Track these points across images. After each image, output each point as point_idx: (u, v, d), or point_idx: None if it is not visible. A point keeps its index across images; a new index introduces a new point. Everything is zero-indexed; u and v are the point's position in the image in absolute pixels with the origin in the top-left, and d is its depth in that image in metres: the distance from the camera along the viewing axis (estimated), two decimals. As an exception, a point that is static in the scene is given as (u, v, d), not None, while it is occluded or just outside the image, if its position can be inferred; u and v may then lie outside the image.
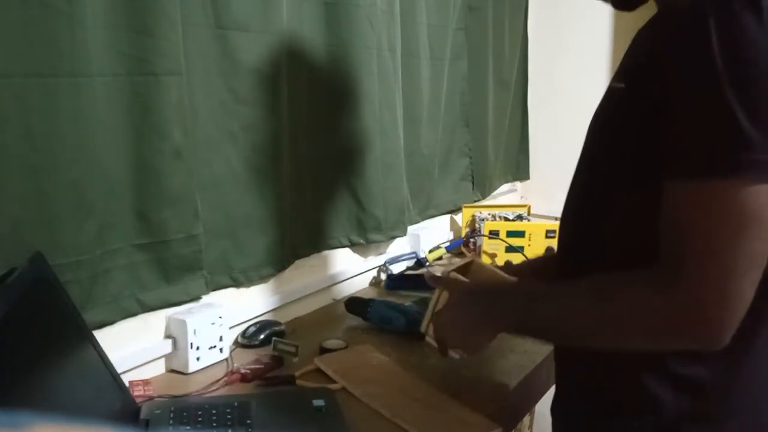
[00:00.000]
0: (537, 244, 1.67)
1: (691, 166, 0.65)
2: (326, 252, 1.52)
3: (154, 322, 1.15)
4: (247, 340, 1.26)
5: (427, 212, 1.89)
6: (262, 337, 1.26)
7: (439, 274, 1.07)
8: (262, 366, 1.13)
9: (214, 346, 1.17)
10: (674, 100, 0.66)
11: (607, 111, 0.81)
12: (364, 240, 1.57)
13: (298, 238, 1.41)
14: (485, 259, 1.70)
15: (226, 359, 1.19)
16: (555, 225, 1.71)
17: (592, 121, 0.85)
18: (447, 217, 2.04)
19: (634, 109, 0.73)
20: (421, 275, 1.65)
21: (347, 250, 1.60)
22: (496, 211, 1.89)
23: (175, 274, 1.14)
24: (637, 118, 0.72)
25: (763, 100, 0.62)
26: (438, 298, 1.07)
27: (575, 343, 0.81)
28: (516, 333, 1.03)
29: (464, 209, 1.95)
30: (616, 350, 0.74)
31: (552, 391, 0.94)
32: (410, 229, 1.75)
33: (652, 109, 0.68)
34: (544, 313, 0.79)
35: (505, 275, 1.06)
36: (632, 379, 0.76)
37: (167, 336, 1.16)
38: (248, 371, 1.11)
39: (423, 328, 1.08)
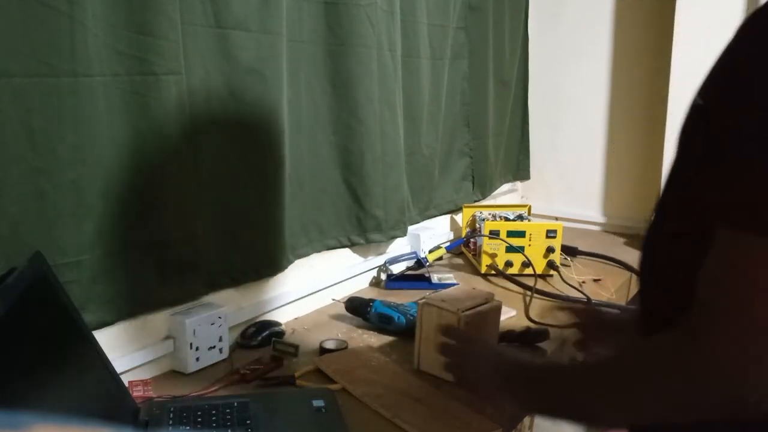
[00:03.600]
0: (537, 244, 1.67)
1: (735, 219, 0.58)
2: (326, 252, 1.52)
3: (154, 322, 1.15)
4: (246, 341, 1.26)
5: (427, 212, 1.89)
6: (261, 337, 1.26)
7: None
8: (262, 366, 1.13)
9: (214, 347, 1.17)
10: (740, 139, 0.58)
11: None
12: (364, 240, 1.57)
13: (297, 238, 1.41)
14: (485, 260, 1.70)
15: (226, 359, 1.19)
16: (555, 225, 1.71)
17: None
18: (447, 217, 2.04)
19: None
20: (421, 275, 1.66)
21: (347, 250, 1.60)
22: (497, 211, 1.88)
23: (175, 274, 1.13)
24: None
25: None
26: (422, 320, 1.09)
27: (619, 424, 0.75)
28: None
29: (464, 209, 1.95)
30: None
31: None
32: (410, 229, 1.75)
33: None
34: (549, 397, 0.76)
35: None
36: None
37: (167, 336, 1.16)
38: (248, 371, 1.11)
39: (415, 365, 1.10)
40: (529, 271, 1.66)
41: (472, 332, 1.10)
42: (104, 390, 0.93)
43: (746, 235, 0.57)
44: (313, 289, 1.48)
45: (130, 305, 1.08)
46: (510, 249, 1.68)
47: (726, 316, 0.58)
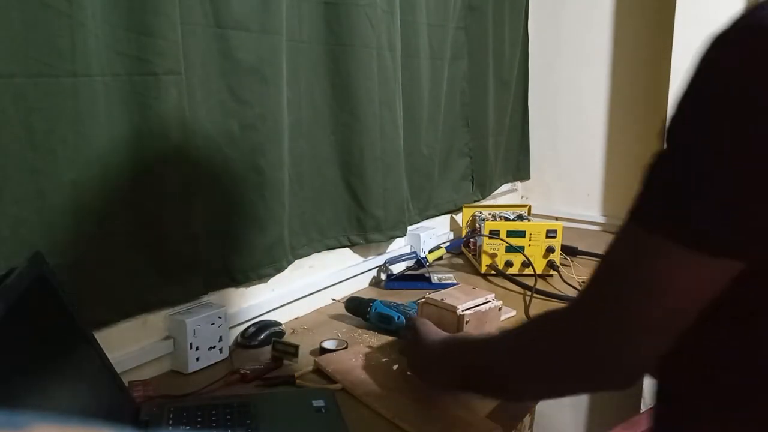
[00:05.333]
0: (537, 244, 1.67)
1: (630, 207, 0.62)
2: (326, 252, 1.52)
3: (154, 322, 1.15)
4: (246, 341, 1.26)
5: (427, 212, 1.89)
6: (261, 337, 1.26)
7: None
8: (262, 366, 1.13)
9: (214, 347, 1.17)
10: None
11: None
12: (363, 240, 1.57)
13: (297, 238, 1.41)
14: (485, 260, 1.70)
15: (226, 359, 1.19)
16: (555, 225, 1.71)
17: None
18: (447, 217, 2.04)
19: None
20: (421, 275, 1.66)
21: (347, 250, 1.60)
22: (497, 211, 1.88)
23: (175, 274, 1.14)
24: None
25: (699, 164, 0.54)
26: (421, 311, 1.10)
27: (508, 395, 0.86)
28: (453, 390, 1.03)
29: (464, 209, 1.95)
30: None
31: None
32: (410, 229, 1.75)
33: None
34: (472, 375, 0.85)
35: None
36: None
37: (167, 336, 1.16)
38: (248, 371, 1.11)
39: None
40: (529, 271, 1.66)
41: (471, 331, 1.11)
42: (104, 390, 0.93)
43: (638, 229, 0.60)
44: (313, 289, 1.48)
45: (130, 305, 1.08)
46: (510, 249, 1.68)
47: (594, 304, 0.65)
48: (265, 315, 1.35)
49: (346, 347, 1.23)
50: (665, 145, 0.59)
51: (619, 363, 0.63)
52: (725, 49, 0.54)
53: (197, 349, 1.14)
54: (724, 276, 0.57)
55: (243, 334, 1.27)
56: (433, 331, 1.02)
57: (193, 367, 1.14)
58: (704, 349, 0.63)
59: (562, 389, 0.74)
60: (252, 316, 1.32)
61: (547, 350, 0.69)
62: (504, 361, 0.77)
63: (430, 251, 1.78)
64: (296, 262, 1.42)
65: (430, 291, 1.38)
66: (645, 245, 0.59)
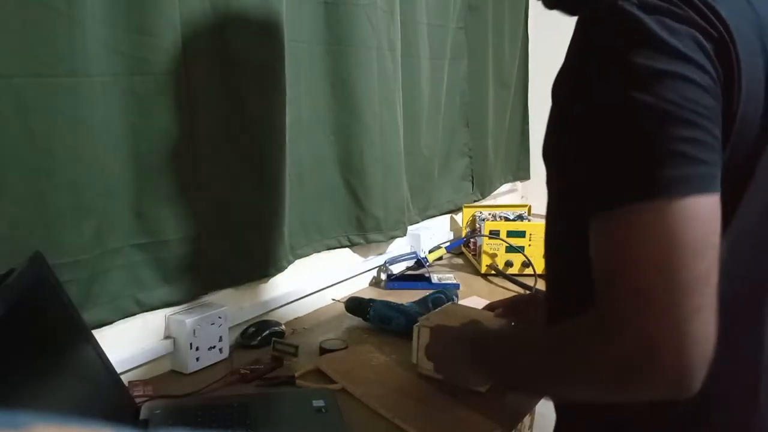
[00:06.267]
0: (537, 244, 1.67)
1: (601, 198, 0.59)
2: (326, 252, 1.52)
3: (154, 322, 1.15)
4: (246, 341, 1.26)
5: (427, 212, 1.89)
6: (261, 337, 1.26)
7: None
8: (262, 366, 1.13)
9: (214, 347, 1.17)
10: (575, 124, 0.63)
11: (545, 146, 0.78)
12: (364, 240, 1.57)
13: (297, 238, 1.41)
14: (485, 260, 1.70)
15: (226, 359, 1.19)
16: (555, 225, 1.70)
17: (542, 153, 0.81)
18: (447, 217, 2.04)
19: (560, 135, 0.70)
20: (421, 275, 1.66)
21: (347, 250, 1.60)
22: (497, 211, 1.89)
23: (175, 274, 1.14)
24: (562, 144, 0.70)
25: (648, 119, 0.57)
26: (419, 333, 1.09)
27: (551, 396, 0.80)
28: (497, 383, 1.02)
29: (464, 209, 1.95)
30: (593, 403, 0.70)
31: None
32: (410, 229, 1.75)
33: (568, 133, 0.66)
34: (509, 371, 0.79)
35: (480, 313, 1.08)
36: None
37: (167, 336, 1.16)
38: (248, 371, 1.11)
39: (414, 360, 1.10)
40: (529, 271, 1.66)
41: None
42: (104, 390, 0.93)
43: (610, 214, 0.58)
44: (313, 289, 1.48)
45: (130, 305, 1.08)
46: (510, 249, 1.68)
47: (634, 298, 0.57)
48: (265, 315, 1.35)
49: (346, 347, 1.23)
50: (579, 131, 0.62)
51: (686, 345, 0.55)
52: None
53: (197, 349, 1.14)
54: (718, 214, 0.58)
55: (243, 334, 1.27)
56: (451, 332, 0.99)
57: (193, 367, 1.14)
58: None
59: (618, 399, 0.65)
60: (252, 316, 1.32)
61: (598, 363, 0.61)
62: (548, 372, 0.70)
63: (430, 251, 1.78)
64: (296, 262, 1.42)
65: (431, 291, 1.39)
66: (648, 215, 0.56)
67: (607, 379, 0.61)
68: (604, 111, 0.59)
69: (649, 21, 0.57)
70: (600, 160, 0.60)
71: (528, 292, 1.55)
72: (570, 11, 0.83)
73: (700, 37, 0.58)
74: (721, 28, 0.59)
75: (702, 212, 0.57)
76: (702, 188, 0.57)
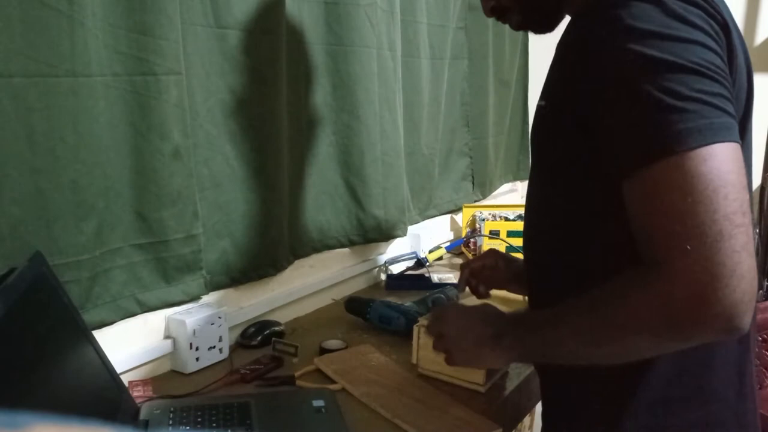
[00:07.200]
0: (537, 244, 1.67)
1: (635, 158, 0.64)
2: (326, 252, 1.52)
3: (154, 322, 1.15)
4: (246, 341, 1.26)
5: (427, 212, 1.89)
6: (261, 337, 1.26)
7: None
8: (262, 366, 1.13)
9: (214, 347, 1.17)
10: (595, 104, 0.67)
11: (536, 130, 0.82)
12: (364, 240, 1.57)
13: (297, 238, 1.41)
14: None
15: (226, 359, 1.19)
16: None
17: (530, 139, 0.85)
18: (447, 217, 2.04)
19: (557, 125, 0.75)
20: (421, 275, 1.66)
21: (347, 250, 1.60)
22: (497, 211, 1.89)
23: (175, 274, 1.14)
24: (562, 133, 0.74)
25: (678, 77, 0.62)
26: (419, 334, 1.09)
27: (597, 361, 0.76)
28: (525, 361, 1.03)
29: (464, 209, 1.95)
30: (642, 359, 0.71)
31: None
32: (410, 229, 1.75)
33: (573, 120, 0.70)
34: (555, 338, 0.76)
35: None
36: None
37: (167, 336, 1.16)
38: (248, 371, 1.11)
39: (414, 360, 1.09)
40: (529, 271, 1.66)
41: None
42: (104, 390, 0.93)
43: (644, 171, 0.63)
44: (313, 289, 1.48)
45: (130, 305, 1.08)
46: (510, 249, 1.68)
47: (681, 241, 0.61)
48: (265, 315, 1.35)
49: (346, 347, 1.23)
50: (619, 96, 0.65)
51: (730, 285, 0.59)
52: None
53: (197, 349, 1.14)
54: (741, 160, 0.64)
55: (243, 334, 1.27)
56: (464, 313, 0.93)
57: (193, 367, 1.14)
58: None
59: (674, 344, 0.68)
60: (252, 316, 1.32)
61: (655, 307, 0.64)
62: (602, 330, 0.70)
63: (430, 251, 1.78)
64: (296, 262, 1.42)
65: (430, 292, 1.39)
66: (682, 164, 0.61)
67: (661, 325, 0.64)
68: (628, 75, 0.64)
69: (667, 0, 0.65)
70: (626, 123, 0.65)
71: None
72: (539, 29, 0.90)
73: (708, 18, 0.66)
74: (723, 16, 0.67)
75: (735, 156, 0.62)
76: (730, 136, 0.62)
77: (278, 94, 1.28)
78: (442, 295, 1.36)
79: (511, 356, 0.85)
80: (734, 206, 0.60)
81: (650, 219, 0.64)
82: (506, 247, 1.68)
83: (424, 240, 1.79)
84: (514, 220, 1.80)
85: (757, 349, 1.55)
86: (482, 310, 0.89)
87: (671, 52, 0.62)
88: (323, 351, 1.21)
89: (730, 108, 0.64)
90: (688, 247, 0.60)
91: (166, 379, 1.13)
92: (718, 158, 0.61)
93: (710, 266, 0.59)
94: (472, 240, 1.84)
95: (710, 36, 0.65)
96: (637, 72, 0.63)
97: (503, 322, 0.85)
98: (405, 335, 1.26)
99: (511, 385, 1.10)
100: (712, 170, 0.61)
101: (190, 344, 1.13)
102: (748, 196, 0.62)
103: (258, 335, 1.26)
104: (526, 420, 1.71)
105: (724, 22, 0.67)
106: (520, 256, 1.65)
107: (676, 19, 0.64)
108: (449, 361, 0.90)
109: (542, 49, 2.32)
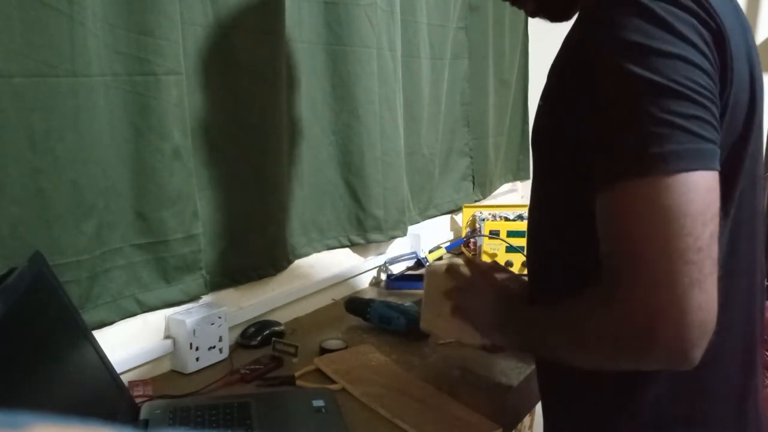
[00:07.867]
0: (537, 244, 1.67)
1: (601, 175, 0.62)
2: (326, 252, 1.52)
3: (154, 322, 1.15)
4: (246, 341, 1.26)
5: (427, 212, 1.89)
6: (261, 337, 1.26)
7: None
8: (262, 366, 1.13)
9: (214, 347, 1.17)
10: (582, 111, 0.65)
11: (537, 130, 0.81)
12: (364, 240, 1.57)
13: (297, 238, 1.41)
14: (485, 260, 1.70)
15: (226, 359, 1.19)
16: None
17: (531, 139, 0.85)
18: (447, 217, 2.04)
19: (558, 125, 0.74)
20: (421, 275, 1.66)
21: (347, 250, 1.60)
22: (497, 211, 1.89)
23: (175, 274, 1.14)
24: (562, 133, 0.73)
25: (654, 99, 0.59)
26: (429, 285, 1.05)
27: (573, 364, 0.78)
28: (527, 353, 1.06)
29: (464, 209, 1.95)
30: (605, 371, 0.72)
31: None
32: (410, 229, 1.75)
33: (573, 120, 0.69)
34: (533, 340, 0.81)
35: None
36: None
37: (167, 336, 1.16)
38: (248, 371, 1.11)
39: (422, 325, 1.08)
40: (529, 271, 1.66)
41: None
42: (104, 390, 0.93)
43: (612, 187, 0.61)
44: (313, 289, 1.48)
45: (130, 305, 1.08)
46: (510, 249, 1.68)
47: (633, 266, 0.60)
48: (265, 315, 1.35)
49: (346, 347, 1.23)
50: (597, 112, 0.63)
51: (687, 313, 0.57)
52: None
53: (197, 349, 1.14)
54: (717, 189, 0.61)
55: (243, 334, 1.27)
56: (487, 282, 0.95)
57: (193, 367, 1.14)
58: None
59: (621, 367, 0.68)
60: (252, 316, 1.32)
61: (603, 330, 0.63)
62: (563, 344, 0.73)
63: (430, 251, 1.78)
64: (296, 262, 1.42)
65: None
66: (649, 189, 0.59)
67: (613, 349, 0.63)
68: (609, 87, 0.62)
69: (656, 6, 0.61)
70: (603, 138, 0.63)
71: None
72: (554, 17, 0.87)
73: (700, 26, 0.62)
74: (717, 22, 0.63)
75: (702, 186, 0.59)
76: (702, 164, 0.59)
77: (278, 94, 1.28)
78: None
79: (515, 346, 0.90)
80: (688, 242, 0.57)
81: (608, 239, 0.63)
82: (506, 247, 1.68)
83: (424, 240, 1.79)
84: (514, 220, 1.80)
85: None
86: (496, 292, 0.91)
87: (651, 69, 0.59)
88: (323, 351, 1.21)
89: (707, 132, 0.60)
90: (640, 276, 0.59)
91: (166, 379, 1.13)
92: (679, 188, 0.58)
93: (656, 300, 0.58)
94: (472, 240, 1.84)
95: (697, 48, 0.61)
96: (616, 89, 0.61)
97: (507, 309, 0.87)
98: (405, 335, 1.26)
99: (511, 384, 1.10)
100: (671, 201, 0.58)
101: (190, 344, 1.13)
102: (711, 228, 0.59)
103: (258, 335, 1.26)
104: (526, 420, 1.71)
105: (718, 29, 0.63)
106: (521, 256, 1.66)
107: (661, 29, 0.60)
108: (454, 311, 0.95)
109: (542, 49, 2.32)
